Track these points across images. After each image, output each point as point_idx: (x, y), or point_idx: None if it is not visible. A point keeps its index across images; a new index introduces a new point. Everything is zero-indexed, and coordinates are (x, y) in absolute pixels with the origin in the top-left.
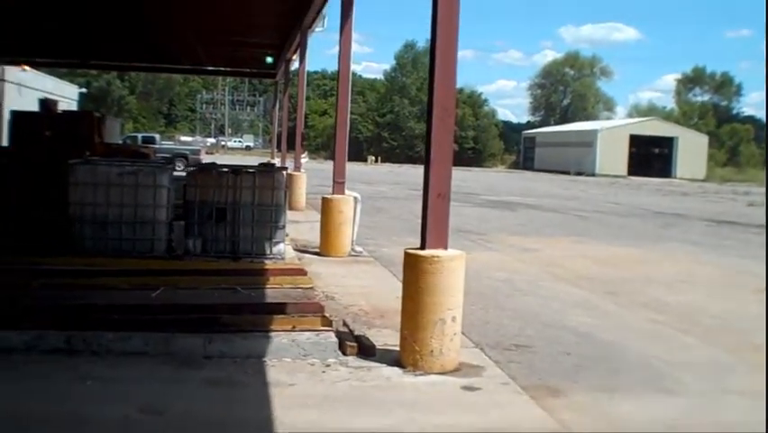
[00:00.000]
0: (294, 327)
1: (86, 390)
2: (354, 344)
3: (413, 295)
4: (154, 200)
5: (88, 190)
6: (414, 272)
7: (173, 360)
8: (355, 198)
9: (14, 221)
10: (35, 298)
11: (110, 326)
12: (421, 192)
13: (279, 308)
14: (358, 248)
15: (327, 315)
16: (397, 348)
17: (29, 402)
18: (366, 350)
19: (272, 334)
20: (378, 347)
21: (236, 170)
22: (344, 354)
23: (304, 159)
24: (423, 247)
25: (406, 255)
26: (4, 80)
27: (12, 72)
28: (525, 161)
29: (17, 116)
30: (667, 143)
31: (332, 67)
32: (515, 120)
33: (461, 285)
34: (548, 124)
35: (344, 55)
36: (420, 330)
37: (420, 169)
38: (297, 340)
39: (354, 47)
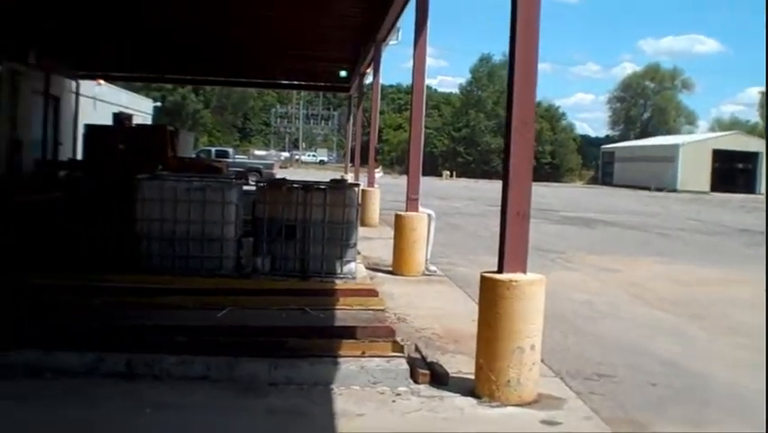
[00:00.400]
0: (363, 353)
1: (145, 418)
2: (427, 371)
3: (489, 321)
4: (222, 217)
5: (155, 206)
6: (491, 297)
7: (236, 386)
8: (429, 216)
9: (83, 235)
10: (98, 317)
11: (172, 348)
12: (497, 208)
13: (349, 332)
14: (432, 267)
15: (399, 339)
16: (472, 377)
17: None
18: (439, 378)
19: (341, 360)
20: (451, 375)
21: (307, 187)
22: (416, 382)
23: (378, 173)
24: (500, 270)
25: (483, 279)
26: (79, 94)
27: (87, 86)
28: (604, 177)
29: (91, 130)
30: (751, 158)
31: (406, 81)
32: (593, 134)
33: (541, 311)
34: (627, 139)
35: (418, 68)
36: (497, 359)
37: (496, 184)
38: (366, 367)
39: (429, 61)
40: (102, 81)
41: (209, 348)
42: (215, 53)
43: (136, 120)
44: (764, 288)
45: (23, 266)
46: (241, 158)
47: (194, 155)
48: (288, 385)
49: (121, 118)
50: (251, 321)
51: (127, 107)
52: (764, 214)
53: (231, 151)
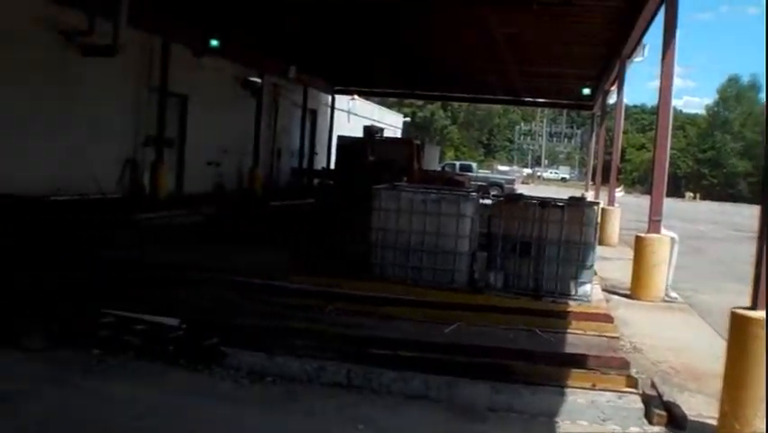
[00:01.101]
0: (594, 385)
1: None
2: (663, 412)
3: (738, 363)
4: (457, 230)
5: (392, 216)
6: (741, 337)
7: (454, 408)
8: (672, 239)
9: (327, 241)
10: (326, 323)
11: (393, 362)
12: (742, 234)
13: (579, 360)
14: (672, 294)
15: (633, 373)
16: (713, 422)
17: None
18: (676, 421)
19: (568, 390)
20: (690, 418)
21: (544, 203)
22: (650, 422)
23: (618, 192)
24: (754, 306)
25: (733, 316)
26: (334, 108)
27: (342, 101)
28: None
29: (343, 141)
30: None
31: (650, 101)
32: None
33: None
34: None
35: (665, 85)
36: (744, 406)
37: (741, 207)
38: (596, 401)
39: (676, 81)
40: (356, 96)
41: (430, 366)
42: (463, 71)
43: (387, 133)
44: None
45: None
46: (484, 173)
47: (439, 168)
48: (508, 413)
49: (371, 131)
50: (477, 339)
51: (378, 121)
52: None
53: (474, 165)
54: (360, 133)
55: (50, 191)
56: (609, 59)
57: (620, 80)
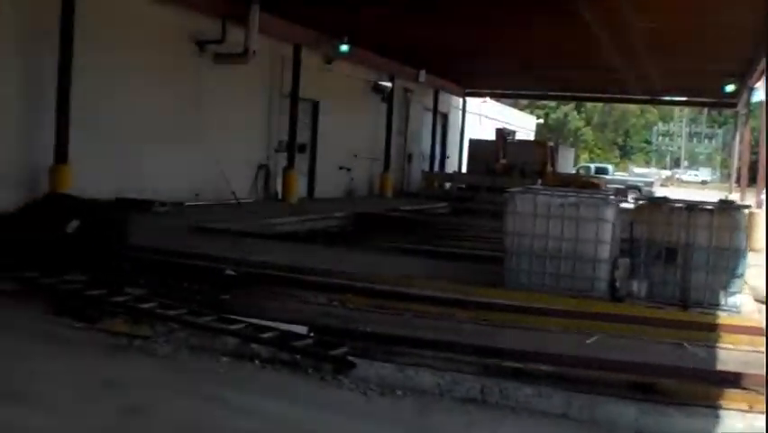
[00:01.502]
0: (751, 407)
1: None
2: None
3: None
4: (596, 235)
5: (527, 221)
6: None
7: (597, 429)
8: None
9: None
10: (458, 333)
11: (531, 377)
12: None
13: (734, 379)
14: None
15: None
16: None
17: None
18: None
19: (721, 412)
20: None
21: (691, 207)
22: None
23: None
24: None
25: None
26: (465, 111)
27: (473, 103)
28: None
29: (474, 144)
30: None
31: None
32: None
33: None
34: None
35: None
36: None
37: None
38: (755, 425)
39: None
40: (487, 99)
41: (570, 381)
42: (598, 69)
43: (519, 136)
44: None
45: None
46: (620, 175)
47: (574, 171)
48: None
49: (503, 133)
50: (620, 353)
51: (510, 124)
52: None
53: (610, 168)
54: (492, 136)
55: (188, 198)
56: (755, 53)
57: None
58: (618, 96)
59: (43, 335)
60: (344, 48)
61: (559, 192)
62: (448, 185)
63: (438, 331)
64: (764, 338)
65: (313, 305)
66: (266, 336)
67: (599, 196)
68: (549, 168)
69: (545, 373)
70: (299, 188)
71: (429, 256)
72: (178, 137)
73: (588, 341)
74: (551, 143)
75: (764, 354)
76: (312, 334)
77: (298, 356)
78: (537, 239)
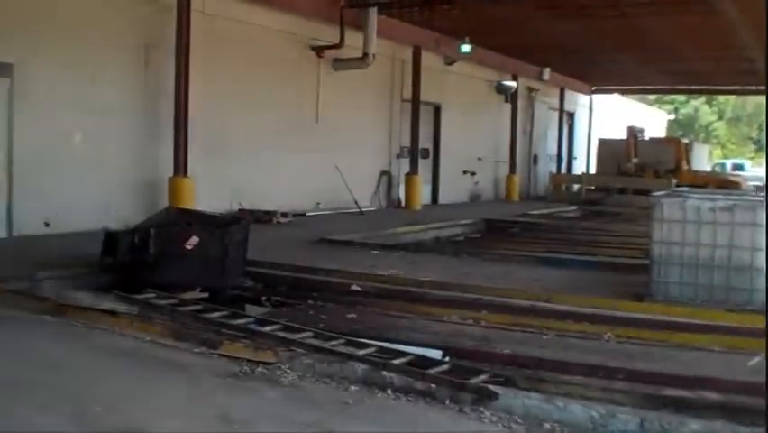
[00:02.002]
0: None
1: None
2: None
3: None
4: (752, 242)
5: (675, 228)
6: None
7: None
8: None
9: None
10: (605, 354)
11: (694, 408)
12: None
13: None
14: None
15: None
16: None
17: None
18: None
19: None
20: None
21: None
22: None
23: None
24: None
25: None
26: (592, 109)
27: (600, 100)
28: None
29: (604, 144)
30: None
31: None
32: None
33: None
34: None
35: None
36: None
37: None
38: None
39: None
40: (615, 95)
41: (736, 413)
42: (733, 60)
43: (648, 133)
44: None
45: None
46: (755, 171)
47: (708, 169)
48: None
49: (634, 131)
50: None
51: (640, 120)
52: None
53: (747, 164)
54: (620, 135)
55: (309, 207)
56: None
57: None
58: (753, 87)
59: (161, 361)
60: (466, 48)
61: (708, 195)
62: (576, 187)
63: (584, 352)
64: None
65: (445, 323)
66: (398, 362)
67: (755, 199)
68: (684, 166)
69: (712, 404)
70: (422, 194)
71: (562, 265)
72: (297, 146)
73: (749, 363)
74: (685, 140)
75: None
76: (447, 359)
77: (433, 385)
78: (687, 247)
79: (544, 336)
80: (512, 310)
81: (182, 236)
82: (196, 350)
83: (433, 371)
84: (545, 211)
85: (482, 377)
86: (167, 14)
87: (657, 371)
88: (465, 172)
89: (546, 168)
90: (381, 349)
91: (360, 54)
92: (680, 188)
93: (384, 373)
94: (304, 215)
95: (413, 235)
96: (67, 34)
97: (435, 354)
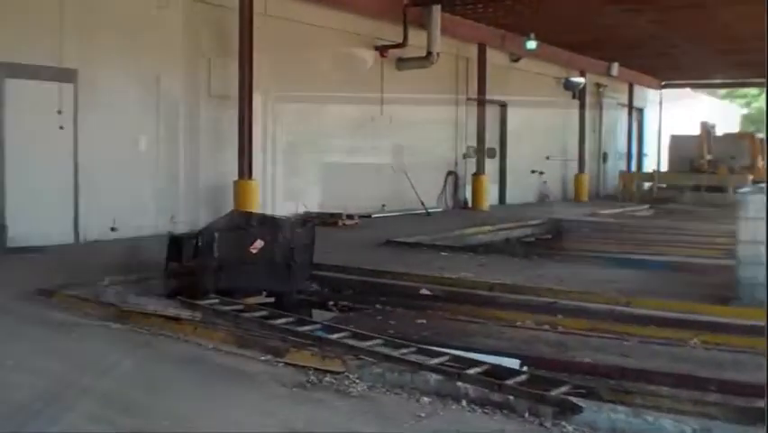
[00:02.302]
0: None
1: None
2: None
3: None
4: None
5: (762, 226)
6: None
7: None
8: None
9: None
10: (691, 362)
11: None
12: None
13: None
14: None
15: None
16: None
17: None
18: None
19: None
20: None
21: None
22: None
23: None
24: None
25: None
26: (662, 104)
27: (671, 95)
28: None
29: (675, 140)
30: None
31: None
32: None
33: None
34: None
35: None
36: None
37: None
38: None
39: None
40: (687, 89)
41: None
42: None
43: (721, 129)
44: None
45: None
46: None
47: None
48: None
49: (707, 126)
50: None
51: (712, 115)
52: None
53: None
54: (692, 131)
55: (375, 209)
56: None
57: None
58: None
59: (225, 369)
60: (531, 44)
61: None
62: (647, 185)
63: (670, 360)
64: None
65: (518, 328)
66: (472, 372)
67: None
68: (760, 162)
69: None
70: (489, 194)
71: (637, 266)
72: (361, 147)
73: None
74: (760, 135)
75: None
76: (525, 368)
77: (511, 397)
78: None
79: (626, 343)
80: (589, 315)
81: (247, 240)
82: (262, 358)
83: (510, 381)
84: (616, 210)
85: (563, 388)
86: (230, 16)
87: (750, 381)
88: (533, 172)
89: (616, 166)
90: (454, 357)
91: (424, 53)
92: (760, 185)
93: (459, 383)
94: (369, 217)
95: (481, 237)
96: (128, 39)
97: (511, 362)
